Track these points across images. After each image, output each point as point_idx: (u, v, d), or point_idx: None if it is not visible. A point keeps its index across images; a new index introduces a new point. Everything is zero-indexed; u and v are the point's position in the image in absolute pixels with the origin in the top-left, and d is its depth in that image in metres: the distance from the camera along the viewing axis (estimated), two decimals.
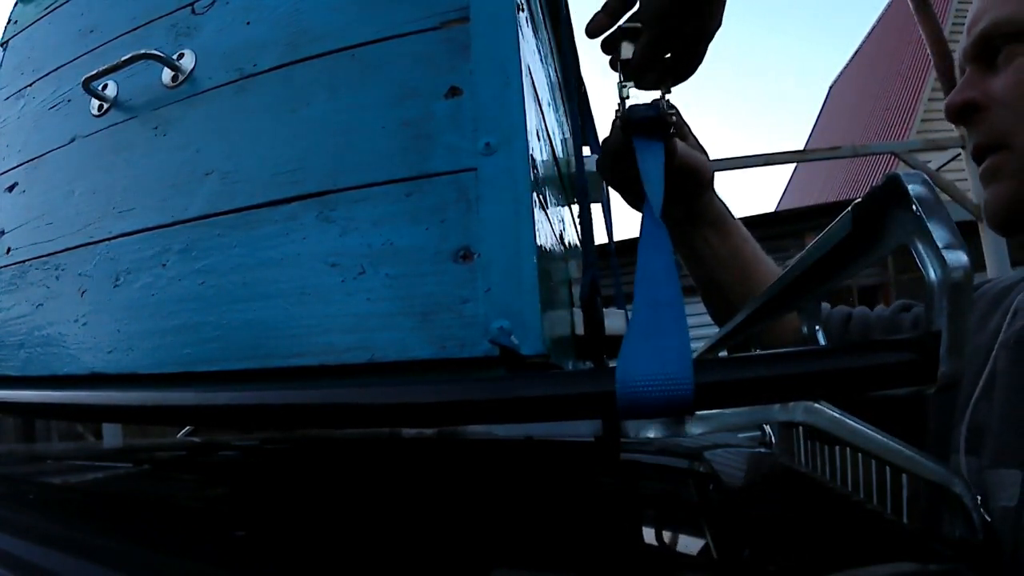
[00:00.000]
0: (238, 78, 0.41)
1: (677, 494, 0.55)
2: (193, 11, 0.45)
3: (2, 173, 0.54)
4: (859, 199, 0.27)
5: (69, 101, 0.51)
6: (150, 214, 0.41)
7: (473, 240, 0.31)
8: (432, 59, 0.35)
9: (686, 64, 0.47)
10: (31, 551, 0.31)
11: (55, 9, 0.56)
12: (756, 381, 0.25)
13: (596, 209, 0.75)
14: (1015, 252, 2.64)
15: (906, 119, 8.42)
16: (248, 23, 0.42)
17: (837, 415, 0.33)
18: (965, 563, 0.29)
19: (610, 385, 0.25)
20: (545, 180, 0.40)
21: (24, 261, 0.48)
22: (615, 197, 0.63)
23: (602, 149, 0.55)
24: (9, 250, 0.50)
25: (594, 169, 0.59)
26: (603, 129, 0.54)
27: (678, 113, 0.48)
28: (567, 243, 0.55)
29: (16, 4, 0.60)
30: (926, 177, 0.24)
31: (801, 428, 0.34)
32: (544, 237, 0.35)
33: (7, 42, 0.60)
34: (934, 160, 2.92)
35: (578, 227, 0.59)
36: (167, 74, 0.44)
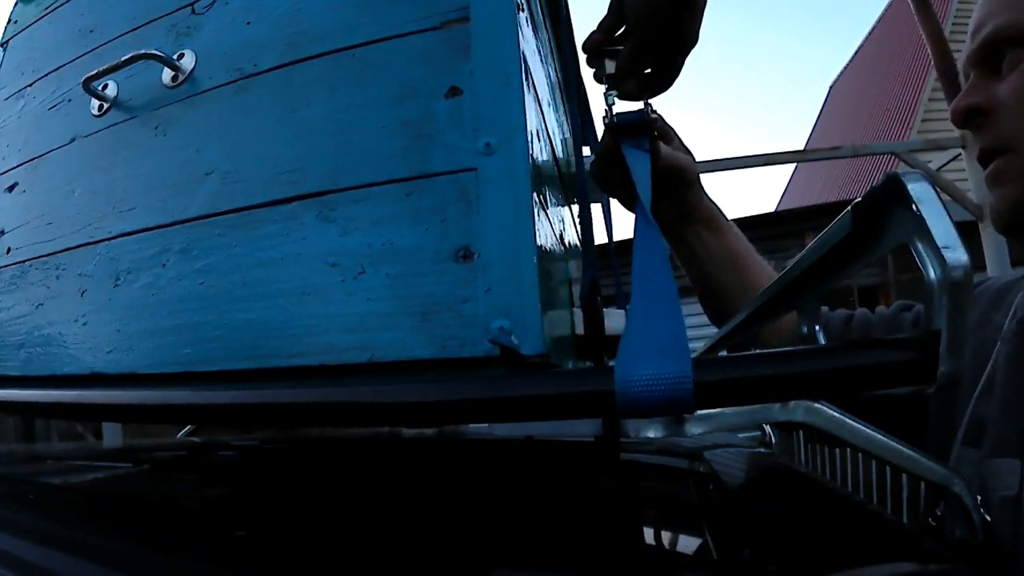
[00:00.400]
0: (238, 78, 0.41)
1: (677, 494, 0.55)
2: (193, 11, 0.45)
3: (2, 173, 0.54)
4: (859, 199, 0.27)
5: (69, 101, 0.51)
6: (150, 214, 0.41)
7: (473, 240, 0.31)
8: (432, 59, 0.35)
9: (664, 76, 0.50)
10: (31, 551, 0.31)
11: (55, 9, 0.56)
12: (756, 380, 0.25)
13: (596, 209, 0.75)
14: (1015, 252, 2.64)
15: (906, 119, 8.42)
16: (248, 23, 0.42)
17: (837, 415, 0.33)
18: (965, 563, 0.29)
19: (609, 384, 0.25)
20: (545, 180, 0.40)
21: (24, 261, 0.48)
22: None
23: (594, 154, 0.57)
24: (9, 250, 0.50)
25: None
26: (602, 130, 0.55)
27: (661, 118, 0.53)
28: (567, 243, 0.55)
29: (16, 4, 0.60)
30: (926, 176, 0.24)
31: (801, 428, 0.34)
32: (544, 237, 0.36)
33: (7, 42, 0.60)
34: (934, 160, 2.92)
35: (578, 227, 0.59)
36: (167, 74, 0.44)
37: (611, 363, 0.26)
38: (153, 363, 0.38)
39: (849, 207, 0.28)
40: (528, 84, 0.36)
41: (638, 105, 0.49)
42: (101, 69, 0.45)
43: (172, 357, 0.37)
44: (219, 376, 0.36)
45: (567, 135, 0.65)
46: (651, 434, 0.30)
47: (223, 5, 0.44)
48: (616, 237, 0.70)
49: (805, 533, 0.40)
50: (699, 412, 0.30)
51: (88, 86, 0.46)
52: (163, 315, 0.39)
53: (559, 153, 0.54)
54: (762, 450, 0.78)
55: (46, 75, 0.54)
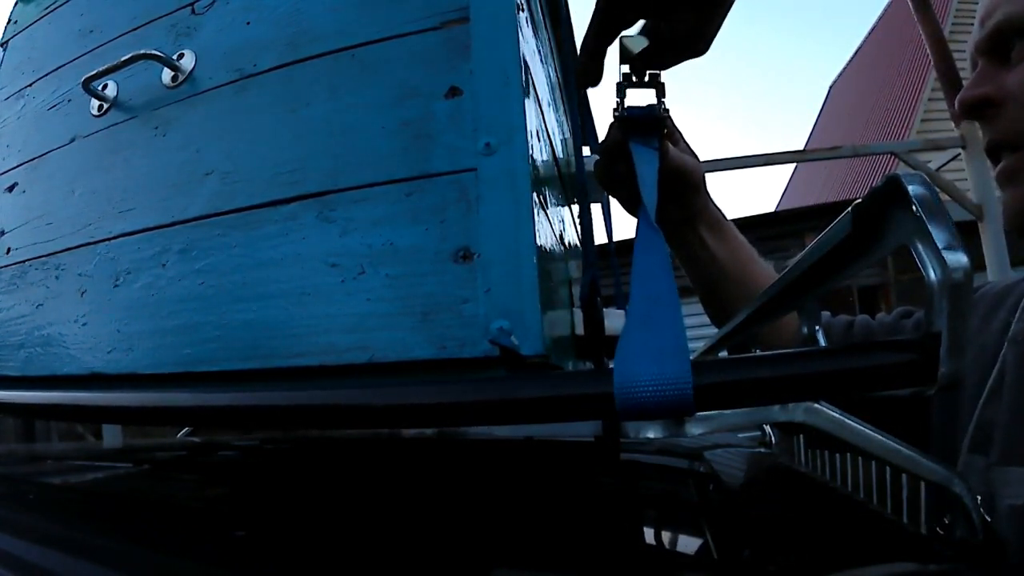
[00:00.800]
0: (238, 78, 0.41)
1: (677, 494, 0.55)
2: (193, 11, 0.45)
3: (2, 173, 0.54)
4: (859, 199, 0.27)
5: (69, 101, 0.51)
6: (150, 214, 0.41)
7: (473, 240, 0.31)
8: (432, 59, 0.35)
9: (696, 38, 0.43)
10: (31, 551, 0.31)
11: (55, 9, 0.56)
12: (756, 382, 0.25)
13: (596, 209, 0.75)
14: (1015, 252, 2.63)
15: (906, 119, 8.42)
16: (248, 23, 0.42)
17: (837, 415, 0.33)
18: (965, 563, 0.29)
19: (609, 387, 0.24)
20: (545, 180, 0.40)
21: (24, 261, 0.48)
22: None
23: (599, 151, 0.55)
24: (9, 250, 0.50)
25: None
26: (603, 130, 0.55)
27: (671, 116, 0.49)
28: (567, 243, 0.55)
29: (16, 4, 0.60)
30: (926, 177, 0.24)
31: (801, 429, 0.34)
32: (544, 237, 0.35)
33: (7, 42, 0.60)
34: (934, 160, 2.92)
35: (578, 227, 0.59)
36: (167, 74, 0.44)
37: (611, 364, 0.26)
38: (153, 363, 0.38)
39: (849, 208, 0.28)
40: (528, 84, 0.36)
41: (648, 97, 0.47)
42: (101, 69, 0.45)
43: (172, 357, 0.37)
44: (219, 376, 0.36)
45: (567, 135, 0.65)
46: (651, 434, 0.30)
47: (223, 5, 0.44)
48: (616, 237, 0.70)
49: (805, 533, 0.40)
50: (699, 413, 0.30)
51: (88, 86, 0.46)
52: (163, 315, 0.39)
53: (559, 153, 0.54)
54: (762, 450, 0.78)
55: (46, 75, 0.54)
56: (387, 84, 0.36)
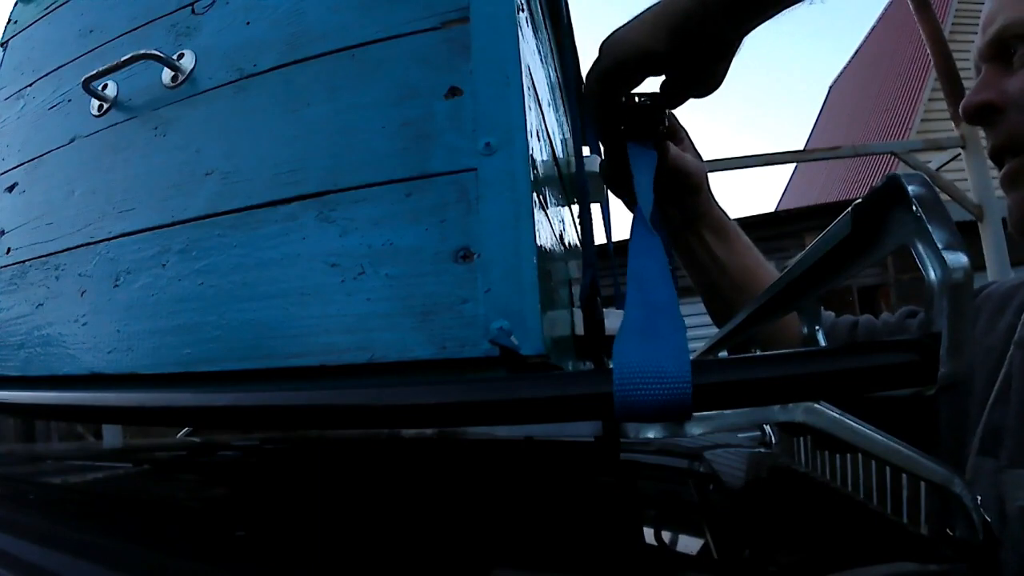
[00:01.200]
0: (238, 78, 0.41)
1: (677, 494, 0.55)
2: (193, 11, 0.45)
3: (2, 173, 0.54)
4: (859, 199, 0.27)
5: (69, 101, 0.51)
6: (150, 214, 0.41)
7: (473, 240, 0.31)
8: (432, 59, 0.35)
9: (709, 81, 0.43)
10: (31, 551, 0.31)
11: (55, 9, 0.56)
12: (755, 383, 0.25)
13: (596, 209, 0.75)
14: (1015, 252, 2.63)
15: (906, 119, 8.42)
16: (248, 23, 0.42)
17: (836, 415, 0.33)
18: (965, 563, 0.29)
19: (608, 387, 0.24)
20: (545, 180, 0.40)
21: (24, 261, 0.48)
22: (614, 197, 0.63)
23: (594, 154, 0.55)
24: (9, 250, 0.50)
25: (594, 169, 0.59)
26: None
27: (672, 116, 0.49)
28: (567, 243, 0.55)
29: (16, 4, 0.60)
30: (926, 177, 0.24)
31: (801, 428, 0.34)
32: (544, 237, 0.35)
33: (7, 42, 0.60)
34: (934, 160, 2.92)
35: (578, 227, 0.59)
36: (167, 74, 0.44)
37: (610, 364, 0.26)
38: (153, 363, 0.38)
39: (849, 208, 0.28)
40: (528, 84, 0.36)
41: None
42: (101, 69, 0.45)
43: (172, 357, 0.37)
44: (219, 376, 0.36)
45: (567, 135, 0.65)
46: (651, 434, 0.30)
47: (223, 5, 0.44)
48: (616, 237, 0.70)
49: (805, 533, 0.40)
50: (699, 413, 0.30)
51: (88, 86, 0.46)
52: (163, 315, 0.38)
53: (559, 153, 0.54)
54: (762, 450, 0.78)
55: (46, 75, 0.54)
56: (387, 84, 0.36)
